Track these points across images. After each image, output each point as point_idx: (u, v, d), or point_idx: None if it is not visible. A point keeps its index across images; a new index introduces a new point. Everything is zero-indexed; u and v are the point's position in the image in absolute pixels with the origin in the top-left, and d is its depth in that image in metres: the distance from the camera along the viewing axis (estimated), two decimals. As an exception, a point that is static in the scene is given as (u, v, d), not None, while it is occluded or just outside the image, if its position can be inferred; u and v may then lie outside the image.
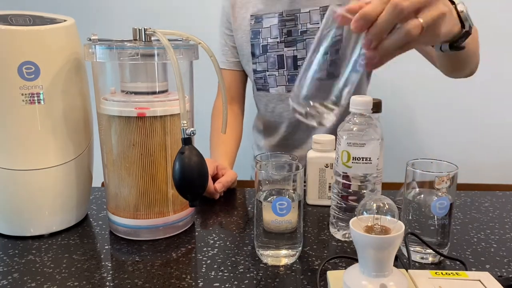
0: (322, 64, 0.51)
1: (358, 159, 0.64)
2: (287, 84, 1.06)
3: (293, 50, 1.03)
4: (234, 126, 1.14)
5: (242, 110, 1.20)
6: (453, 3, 0.54)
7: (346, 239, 0.68)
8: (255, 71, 1.08)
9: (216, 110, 1.16)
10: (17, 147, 0.67)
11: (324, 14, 1.02)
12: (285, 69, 1.05)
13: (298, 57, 1.03)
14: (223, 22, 1.14)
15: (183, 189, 0.60)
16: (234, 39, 1.13)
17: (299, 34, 1.03)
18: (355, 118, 0.65)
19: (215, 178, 0.88)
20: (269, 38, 1.04)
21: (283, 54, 1.04)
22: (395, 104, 1.55)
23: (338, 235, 0.68)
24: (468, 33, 0.55)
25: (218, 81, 0.72)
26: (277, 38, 1.04)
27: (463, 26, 0.55)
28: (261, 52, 1.06)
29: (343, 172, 0.66)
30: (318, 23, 1.02)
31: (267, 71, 1.07)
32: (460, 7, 0.54)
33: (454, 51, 0.58)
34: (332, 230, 0.69)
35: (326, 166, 0.79)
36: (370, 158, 0.64)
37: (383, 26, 0.46)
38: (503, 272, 0.60)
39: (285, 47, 1.04)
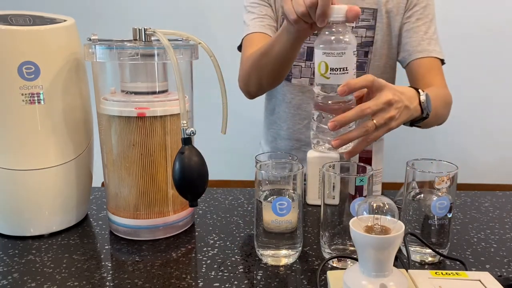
0: None
1: (336, 69, 0.64)
2: (312, 77, 1.05)
3: None
4: None
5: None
6: (418, 92, 0.74)
7: (329, 151, 0.70)
8: None
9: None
10: (17, 147, 0.67)
11: (360, 16, 1.01)
12: (313, 61, 1.03)
13: None
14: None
15: (183, 189, 0.60)
16: (269, 10, 1.07)
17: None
18: (332, 28, 0.65)
19: None
20: None
21: (313, 47, 1.03)
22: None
23: (323, 148, 0.69)
24: (425, 118, 0.75)
25: (219, 81, 0.72)
26: None
27: (422, 112, 0.74)
28: None
29: (321, 84, 0.66)
30: (352, 23, 1.02)
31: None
32: (422, 98, 0.74)
33: (414, 126, 0.80)
34: (318, 148, 0.70)
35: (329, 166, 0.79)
36: (346, 68, 0.64)
37: (349, 119, 0.65)
38: (503, 272, 0.60)
39: None
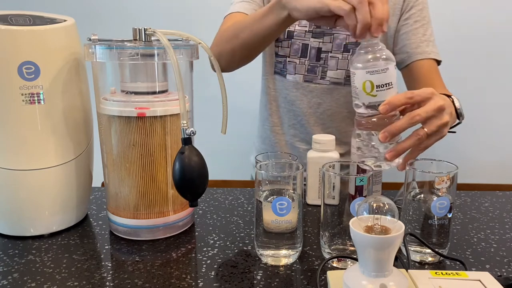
0: None
1: (382, 86, 0.64)
2: (306, 73, 1.06)
3: (319, 42, 1.04)
4: None
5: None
6: (449, 97, 0.74)
7: (381, 167, 0.69)
8: (276, 55, 1.08)
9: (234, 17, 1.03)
10: (17, 147, 0.67)
11: None
12: (307, 58, 1.05)
13: (322, 49, 1.04)
14: None
15: (183, 189, 0.60)
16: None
17: (328, 28, 1.03)
18: (369, 47, 0.65)
19: None
20: (296, 26, 1.04)
21: (308, 44, 1.04)
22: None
23: (375, 166, 0.68)
24: (459, 123, 0.76)
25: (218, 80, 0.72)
26: (306, 27, 1.04)
27: (458, 118, 0.75)
28: (285, 37, 1.05)
29: (368, 103, 0.66)
30: None
31: (288, 57, 1.06)
32: (457, 104, 0.74)
33: (449, 133, 0.77)
34: (371, 164, 0.69)
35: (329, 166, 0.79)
36: (391, 82, 0.64)
37: (399, 128, 0.64)
38: (503, 272, 0.60)
39: (311, 37, 1.04)
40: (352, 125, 1.10)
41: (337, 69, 1.04)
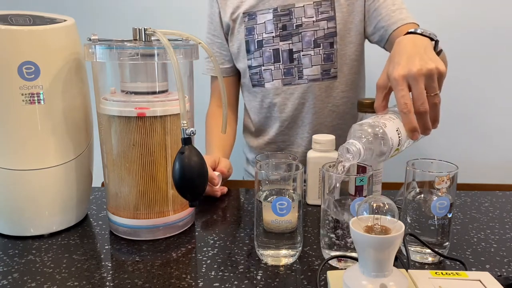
0: None
1: (398, 143, 0.63)
2: (283, 77, 1.07)
3: (289, 43, 1.05)
4: (228, 130, 1.14)
5: (235, 116, 1.21)
6: (410, 32, 0.72)
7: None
8: (250, 67, 1.09)
9: (211, 113, 1.17)
10: (17, 147, 0.67)
11: (318, 8, 1.03)
12: (281, 62, 1.06)
13: (293, 50, 1.05)
14: (210, 30, 1.15)
15: (183, 189, 0.60)
16: (223, 45, 1.13)
17: (294, 28, 1.04)
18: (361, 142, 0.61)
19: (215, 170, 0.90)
20: (264, 33, 1.05)
21: (278, 48, 1.05)
22: (393, 104, 1.55)
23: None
24: (437, 42, 0.74)
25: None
26: (272, 32, 1.05)
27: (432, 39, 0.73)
28: (256, 47, 1.07)
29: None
30: (312, 17, 1.03)
31: (263, 65, 1.07)
32: (419, 31, 0.72)
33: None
34: None
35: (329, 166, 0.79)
36: (398, 129, 0.63)
37: (415, 123, 0.63)
38: (503, 272, 0.60)
39: (280, 41, 1.05)
40: (337, 118, 1.10)
41: (312, 65, 1.05)
